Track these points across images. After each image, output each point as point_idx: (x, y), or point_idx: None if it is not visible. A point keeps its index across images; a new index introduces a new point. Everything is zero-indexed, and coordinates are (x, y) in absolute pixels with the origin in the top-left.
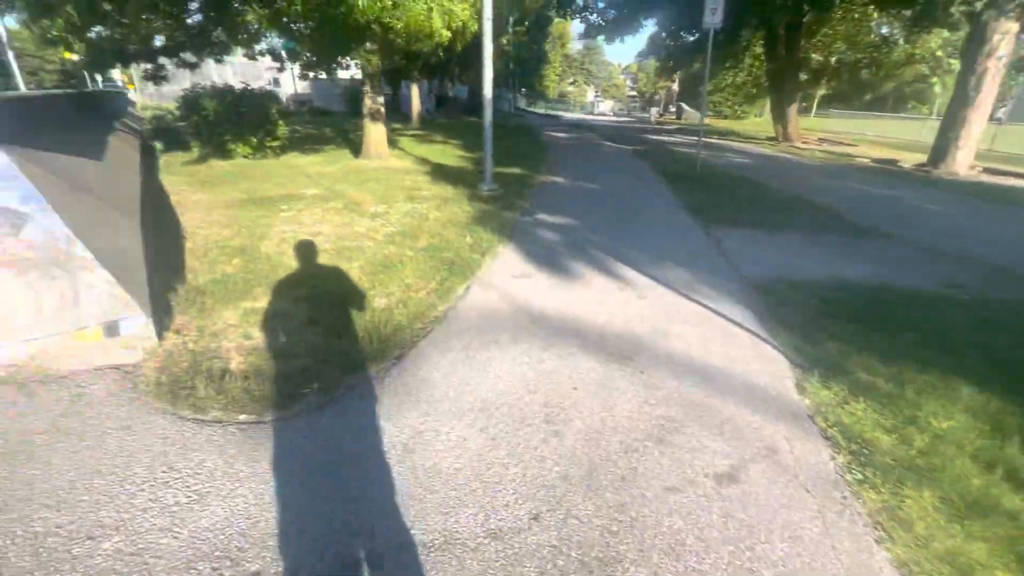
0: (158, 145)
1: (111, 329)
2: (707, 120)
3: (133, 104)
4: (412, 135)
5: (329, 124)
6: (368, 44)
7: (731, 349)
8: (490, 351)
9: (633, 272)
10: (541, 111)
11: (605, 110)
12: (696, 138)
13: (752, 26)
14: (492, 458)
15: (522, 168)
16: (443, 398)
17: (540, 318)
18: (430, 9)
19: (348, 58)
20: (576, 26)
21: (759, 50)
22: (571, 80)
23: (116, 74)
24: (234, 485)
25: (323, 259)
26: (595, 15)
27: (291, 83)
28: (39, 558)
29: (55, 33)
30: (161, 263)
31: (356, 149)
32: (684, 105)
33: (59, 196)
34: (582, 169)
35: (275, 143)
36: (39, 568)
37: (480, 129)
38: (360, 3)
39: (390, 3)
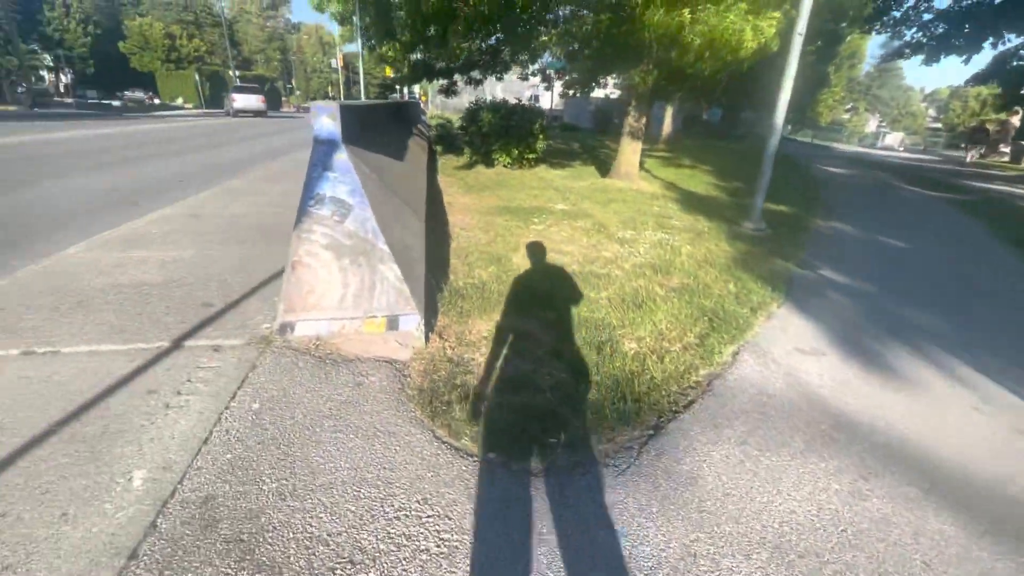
0: (439, 149)
1: (392, 323)
2: None
3: (425, 113)
4: (659, 156)
5: (577, 140)
6: (643, 63)
7: None
8: (779, 456)
9: (993, 385)
10: (806, 139)
11: (893, 143)
12: None
13: None
14: None
15: (791, 206)
16: (720, 512)
17: (847, 424)
18: (739, 22)
19: (616, 76)
20: (874, 44)
21: None
22: (849, 106)
23: (416, 88)
24: (483, 549)
25: (571, 283)
26: (915, 30)
27: (548, 100)
28: (311, 567)
29: (391, 55)
30: (433, 262)
31: (602, 166)
32: None
33: (373, 192)
34: (875, 218)
35: (532, 155)
36: None
37: (735, 156)
38: (655, 19)
39: (688, 18)
